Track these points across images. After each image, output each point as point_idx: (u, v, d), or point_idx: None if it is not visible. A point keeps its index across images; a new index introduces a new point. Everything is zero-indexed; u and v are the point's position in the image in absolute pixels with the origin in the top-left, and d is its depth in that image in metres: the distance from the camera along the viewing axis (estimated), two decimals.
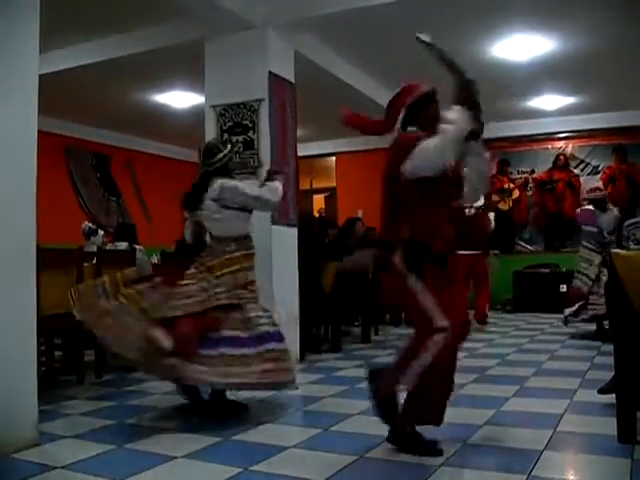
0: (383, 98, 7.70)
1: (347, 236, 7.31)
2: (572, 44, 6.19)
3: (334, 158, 11.53)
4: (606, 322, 5.97)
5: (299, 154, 5.81)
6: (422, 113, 2.74)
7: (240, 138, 5.25)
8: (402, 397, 2.73)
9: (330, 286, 5.80)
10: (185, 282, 3.35)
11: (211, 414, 3.41)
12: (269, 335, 3.35)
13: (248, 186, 3.52)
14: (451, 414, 2.86)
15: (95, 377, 4.60)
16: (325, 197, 12.32)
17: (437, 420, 2.76)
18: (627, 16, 5.47)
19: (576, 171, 9.66)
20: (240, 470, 2.53)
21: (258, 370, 3.23)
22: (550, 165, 9.80)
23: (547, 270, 9.17)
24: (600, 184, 9.37)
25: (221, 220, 3.46)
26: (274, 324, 3.46)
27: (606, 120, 9.09)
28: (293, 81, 5.54)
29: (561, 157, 9.68)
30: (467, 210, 6.45)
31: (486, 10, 5.44)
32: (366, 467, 2.57)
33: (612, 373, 2.99)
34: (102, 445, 2.89)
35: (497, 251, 8.22)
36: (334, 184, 11.64)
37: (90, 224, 6.89)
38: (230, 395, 3.54)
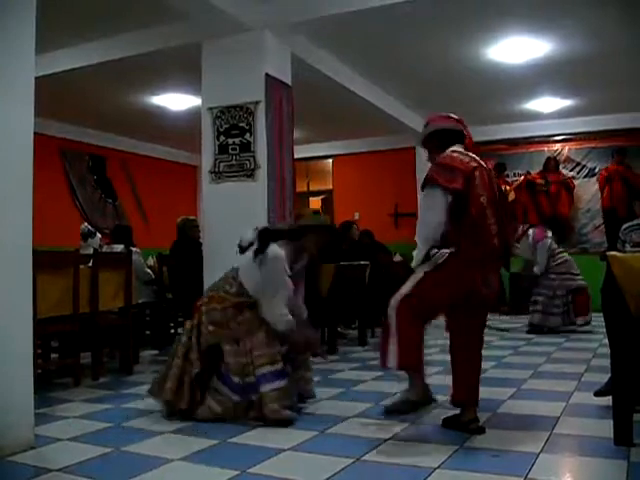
0: (379, 100, 7.77)
1: (342, 240, 7.29)
2: (569, 46, 6.21)
3: (331, 160, 11.54)
4: None
5: (296, 156, 5.81)
6: (430, 142, 3.23)
7: (237, 140, 5.25)
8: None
9: (327, 289, 5.79)
10: None
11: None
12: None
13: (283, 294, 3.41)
14: None
15: (91, 379, 4.59)
16: (322, 200, 12.32)
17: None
18: (624, 18, 5.50)
19: (572, 173, 9.67)
20: (237, 473, 2.52)
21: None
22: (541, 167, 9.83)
23: None
24: (597, 186, 9.43)
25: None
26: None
27: (603, 122, 9.12)
28: (290, 83, 5.55)
29: (551, 160, 9.69)
30: None
31: (482, 12, 5.45)
32: (363, 470, 2.57)
33: (608, 375, 3.00)
34: (98, 448, 2.88)
35: None
36: (331, 187, 11.65)
37: (89, 226, 6.91)
38: None
